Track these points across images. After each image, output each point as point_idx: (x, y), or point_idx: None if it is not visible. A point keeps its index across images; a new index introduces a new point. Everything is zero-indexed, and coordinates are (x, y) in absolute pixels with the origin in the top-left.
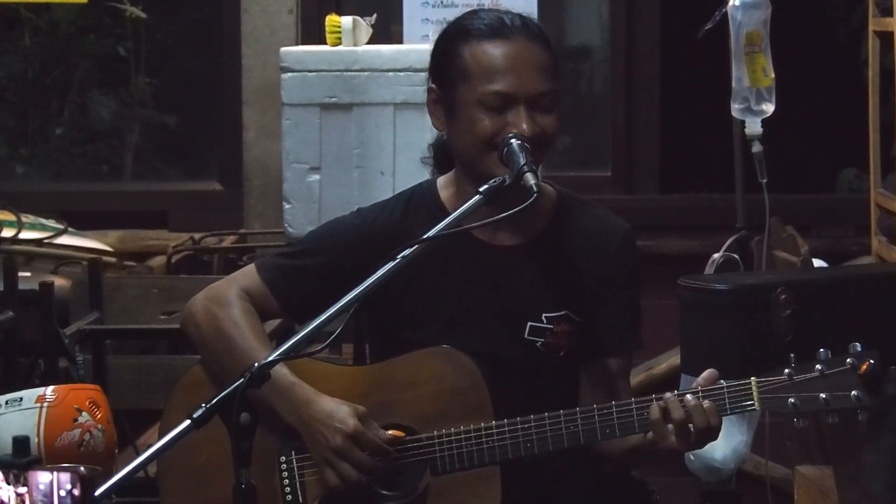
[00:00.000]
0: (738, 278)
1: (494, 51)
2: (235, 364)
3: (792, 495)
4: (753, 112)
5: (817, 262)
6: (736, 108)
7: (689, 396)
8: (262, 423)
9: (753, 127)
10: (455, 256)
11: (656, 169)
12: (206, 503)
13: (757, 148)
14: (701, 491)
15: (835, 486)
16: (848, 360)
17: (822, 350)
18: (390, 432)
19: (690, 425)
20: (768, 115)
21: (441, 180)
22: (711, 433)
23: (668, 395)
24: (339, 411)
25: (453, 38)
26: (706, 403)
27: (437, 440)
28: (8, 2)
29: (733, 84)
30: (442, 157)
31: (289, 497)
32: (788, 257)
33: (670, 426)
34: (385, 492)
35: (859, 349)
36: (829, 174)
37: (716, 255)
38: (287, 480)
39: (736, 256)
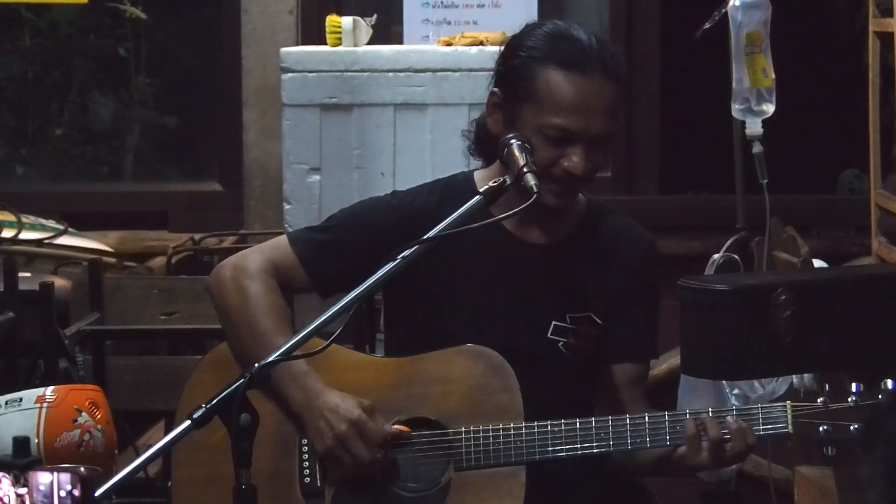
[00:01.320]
0: (739, 279)
1: (568, 85)
2: (252, 341)
3: (792, 496)
4: (754, 112)
5: (817, 263)
6: (736, 109)
7: (729, 418)
8: (277, 403)
9: (754, 127)
10: (485, 250)
11: (656, 169)
12: (218, 479)
13: (757, 148)
14: (702, 492)
15: (835, 487)
16: (881, 395)
17: (854, 383)
18: (396, 427)
19: (728, 445)
20: (769, 115)
21: (479, 174)
22: (746, 453)
23: (703, 414)
24: (345, 402)
25: (531, 56)
26: (745, 424)
27: (463, 436)
28: (8, 2)
29: (734, 85)
30: (484, 142)
31: (307, 479)
32: (789, 258)
33: (705, 443)
34: (406, 483)
35: (891, 385)
36: (829, 175)
37: (716, 256)
38: (307, 462)
39: (736, 257)
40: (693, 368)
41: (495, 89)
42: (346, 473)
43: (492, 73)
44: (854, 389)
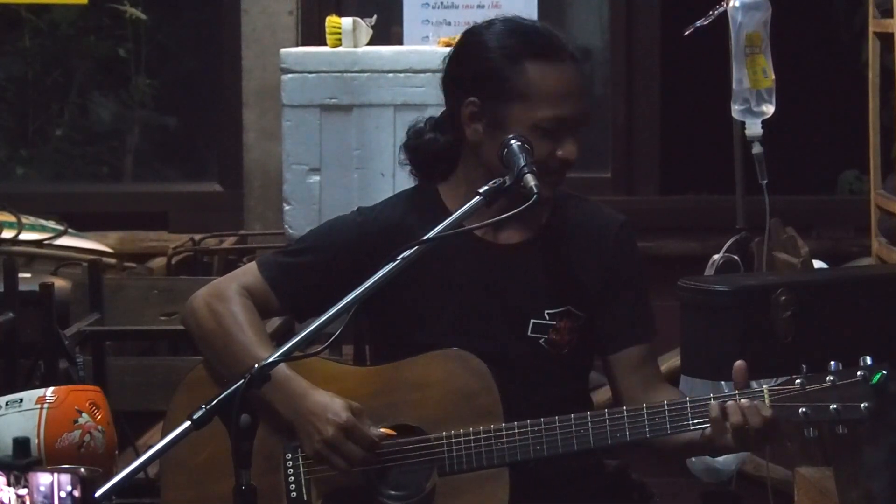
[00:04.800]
0: (739, 279)
1: (554, 73)
2: (233, 359)
3: (792, 496)
4: (754, 113)
5: (817, 264)
6: (736, 110)
7: (744, 400)
8: (269, 421)
9: (754, 128)
10: (457, 255)
11: (656, 170)
12: (207, 499)
13: (757, 149)
14: (701, 492)
15: (835, 487)
16: (859, 372)
17: (833, 362)
18: (382, 430)
19: (747, 426)
20: (768, 116)
21: (443, 187)
22: (767, 430)
23: (728, 399)
24: (333, 404)
25: (504, 55)
26: (759, 403)
27: (445, 441)
28: (8, 3)
29: (733, 85)
30: (434, 161)
31: (293, 494)
32: (789, 258)
33: (728, 425)
34: (391, 491)
35: (870, 362)
36: (829, 175)
37: (716, 257)
38: (292, 478)
39: (736, 258)
40: (693, 369)
41: (472, 99)
42: (338, 472)
43: (449, 85)
44: (832, 368)
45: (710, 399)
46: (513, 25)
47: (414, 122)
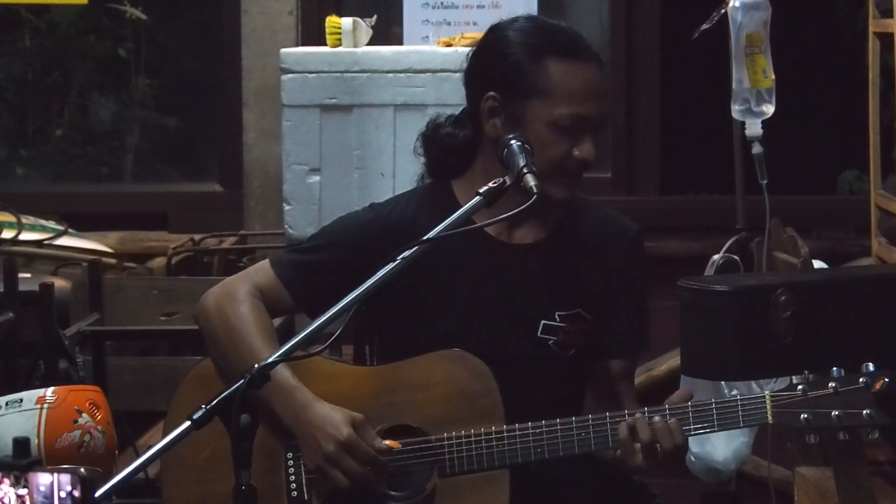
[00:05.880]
0: (739, 279)
1: (576, 72)
2: (240, 360)
3: (792, 496)
4: (753, 113)
5: (817, 264)
6: (736, 110)
7: (656, 417)
8: (270, 420)
9: (753, 128)
10: (469, 255)
11: (656, 170)
12: (208, 498)
13: (757, 149)
14: (701, 492)
15: (835, 487)
16: (861, 378)
17: (835, 368)
18: (387, 442)
19: (658, 445)
20: (768, 116)
21: (457, 183)
22: (678, 452)
23: (637, 414)
24: (333, 418)
25: (527, 52)
26: (672, 423)
27: (446, 442)
28: (8, 3)
29: (733, 85)
30: (447, 156)
31: (294, 493)
32: (788, 258)
33: (637, 445)
34: (392, 492)
35: (872, 368)
36: (829, 175)
37: (716, 257)
38: (293, 477)
39: (736, 258)
40: (693, 369)
41: (492, 94)
42: (339, 486)
43: (472, 80)
44: (834, 374)
45: (712, 405)
46: (537, 23)
47: (435, 116)
